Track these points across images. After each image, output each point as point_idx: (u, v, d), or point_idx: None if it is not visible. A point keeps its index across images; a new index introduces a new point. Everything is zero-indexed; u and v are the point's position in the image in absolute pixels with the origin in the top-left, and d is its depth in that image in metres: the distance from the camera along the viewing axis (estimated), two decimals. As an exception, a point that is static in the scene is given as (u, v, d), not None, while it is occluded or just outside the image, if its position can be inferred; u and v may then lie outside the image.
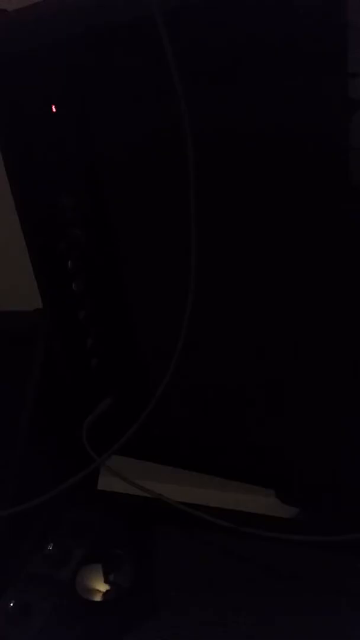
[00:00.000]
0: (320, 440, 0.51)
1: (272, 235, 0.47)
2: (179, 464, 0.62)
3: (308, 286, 0.47)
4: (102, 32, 0.46)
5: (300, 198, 0.44)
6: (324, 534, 0.49)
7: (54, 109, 0.53)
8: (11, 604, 0.51)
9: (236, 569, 0.53)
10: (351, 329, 0.46)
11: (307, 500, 0.57)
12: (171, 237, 0.51)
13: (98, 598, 0.52)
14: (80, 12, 0.47)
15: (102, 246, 0.57)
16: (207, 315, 0.50)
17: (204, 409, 0.58)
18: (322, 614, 0.48)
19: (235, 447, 0.57)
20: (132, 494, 0.59)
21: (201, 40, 0.43)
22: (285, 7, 0.39)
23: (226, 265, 0.50)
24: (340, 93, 0.39)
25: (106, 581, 0.53)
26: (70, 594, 0.53)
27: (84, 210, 0.56)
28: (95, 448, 0.58)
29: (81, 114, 0.52)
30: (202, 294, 0.47)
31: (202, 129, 0.43)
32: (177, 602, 0.52)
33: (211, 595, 0.52)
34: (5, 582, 0.54)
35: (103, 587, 0.53)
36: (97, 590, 0.53)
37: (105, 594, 0.52)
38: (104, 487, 0.66)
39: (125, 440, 0.54)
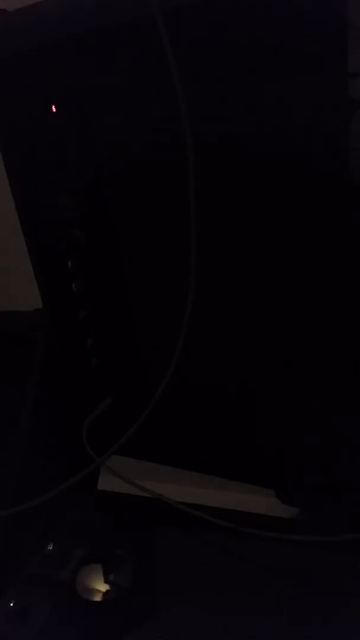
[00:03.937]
0: (320, 440, 0.51)
1: (272, 236, 0.47)
2: (179, 464, 0.62)
3: (309, 286, 0.47)
4: (102, 32, 0.46)
5: (301, 198, 0.44)
6: (324, 534, 0.49)
7: (54, 109, 0.53)
8: (11, 604, 0.51)
9: (236, 569, 0.53)
10: (351, 329, 0.46)
11: (307, 500, 0.57)
12: (171, 237, 0.51)
13: (98, 598, 0.52)
14: (80, 12, 0.47)
15: (102, 246, 0.57)
16: (207, 315, 0.50)
17: (204, 409, 0.58)
18: (322, 614, 0.48)
19: (235, 447, 0.57)
20: (132, 494, 0.59)
21: (201, 40, 0.43)
22: (285, 7, 0.39)
23: (226, 265, 0.50)
24: (340, 93, 0.39)
25: (106, 581, 0.53)
26: (70, 594, 0.53)
27: (84, 210, 0.56)
28: (95, 448, 0.58)
29: (81, 114, 0.52)
30: (202, 294, 0.47)
31: (202, 129, 0.43)
32: (177, 602, 0.52)
33: (211, 595, 0.52)
34: (5, 582, 0.54)
35: (103, 587, 0.53)
36: (97, 590, 0.53)
37: (105, 594, 0.52)
38: (104, 487, 0.66)
39: (125, 440, 0.54)
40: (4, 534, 0.58)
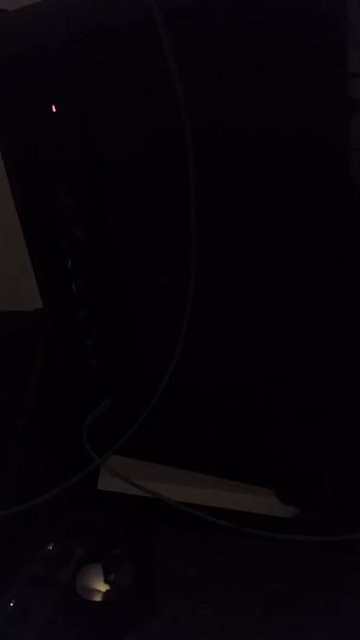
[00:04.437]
0: (320, 440, 0.51)
1: (272, 237, 0.47)
2: (179, 464, 0.62)
3: (309, 287, 0.47)
4: (102, 32, 0.46)
5: (301, 198, 0.44)
6: (324, 534, 0.49)
7: (54, 109, 0.53)
8: (11, 604, 0.51)
9: (236, 569, 0.53)
10: (352, 330, 0.46)
11: (307, 500, 0.57)
12: (171, 237, 0.51)
13: (98, 598, 0.52)
14: (81, 12, 0.47)
15: (102, 246, 0.57)
16: (207, 315, 0.50)
17: (203, 409, 0.58)
18: (322, 614, 0.48)
19: (235, 447, 0.57)
20: (132, 494, 0.59)
21: (201, 40, 0.43)
22: (285, 8, 0.39)
23: (226, 266, 0.50)
24: (340, 93, 0.39)
25: (106, 581, 0.53)
26: (70, 594, 0.53)
27: (84, 210, 0.56)
28: (95, 448, 0.58)
29: (81, 114, 0.52)
30: (202, 294, 0.47)
31: (202, 128, 0.43)
32: (177, 602, 0.52)
33: (211, 595, 0.52)
34: (5, 582, 0.54)
35: (103, 587, 0.53)
36: (97, 590, 0.53)
37: (105, 594, 0.52)
38: (104, 487, 0.66)
39: (125, 440, 0.54)
40: (4, 534, 0.58)
